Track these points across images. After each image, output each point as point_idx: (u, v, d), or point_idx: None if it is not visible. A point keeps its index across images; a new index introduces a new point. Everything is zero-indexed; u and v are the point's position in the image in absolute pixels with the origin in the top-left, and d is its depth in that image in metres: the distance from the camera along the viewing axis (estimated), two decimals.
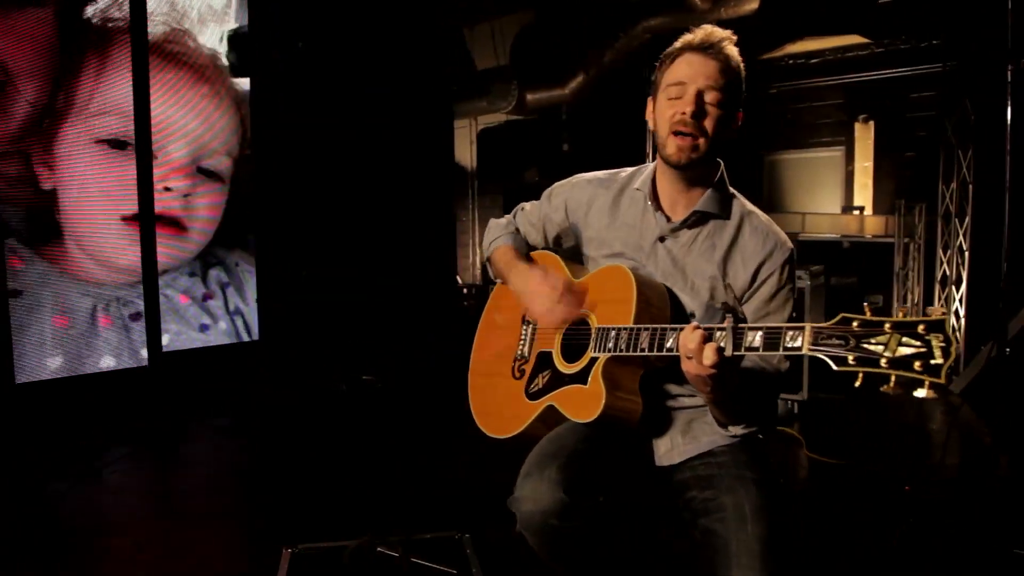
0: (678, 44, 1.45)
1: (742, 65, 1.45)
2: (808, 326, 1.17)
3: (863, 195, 5.94)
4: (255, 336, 4.64)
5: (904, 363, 1.08)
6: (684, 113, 1.40)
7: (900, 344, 1.08)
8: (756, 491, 1.38)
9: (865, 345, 1.10)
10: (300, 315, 4.83)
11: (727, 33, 1.44)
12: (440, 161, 5.96)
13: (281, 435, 3.78)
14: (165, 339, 4.08)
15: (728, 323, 1.25)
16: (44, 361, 3.58)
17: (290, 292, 4.83)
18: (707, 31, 1.43)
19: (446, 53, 6.85)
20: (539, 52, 6.91)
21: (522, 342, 1.65)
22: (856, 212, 5.63)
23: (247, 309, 4.59)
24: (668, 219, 1.51)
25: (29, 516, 2.77)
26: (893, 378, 1.10)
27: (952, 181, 4.66)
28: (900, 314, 1.11)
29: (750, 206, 1.54)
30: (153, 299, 4.15)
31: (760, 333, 1.22)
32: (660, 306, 1.44)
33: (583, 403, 1.42)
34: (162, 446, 3.62)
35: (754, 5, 5.57)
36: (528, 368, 1.59)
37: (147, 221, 4.05)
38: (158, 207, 3.93)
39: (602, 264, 1.57)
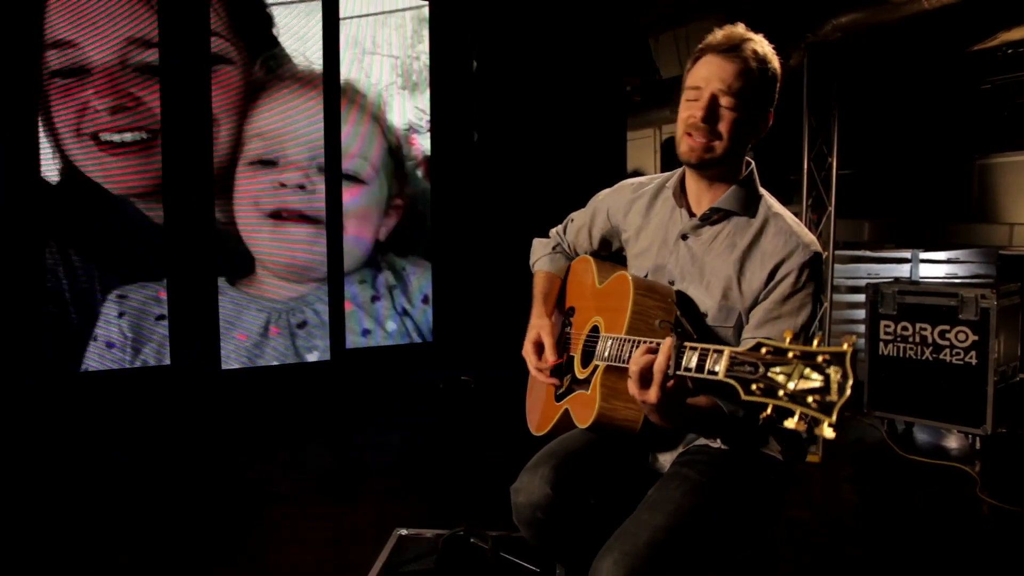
0: (701, 44, 1.45)
1: (772, 64, 1.42)
2: (727, 350, 1.12)
3: None
4: (422, 334, 5.09)
5: (800, 397, 1.00)
6: (695, 116, 1.40)
7: (802, 376, 1.01)
8: (678, 485, 1.36)
9: (771, 374, 1.04)
10: (470, 317, 5.18)
11: (750, 34, 1.42)
12: (613, 170, 6.04)
13: (430, 428, 4.12)
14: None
15: (671, 341, 1.22)
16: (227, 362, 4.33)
17: (461, 297, 5.21)
18: (728, 31, 1.42)
19: (630, 63, 6.91)
20: None
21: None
22: None
23: (412, 310, 5.04)
24: (692, 215, 1.51)
25: (213, 485, 3.32)
26: (798, 413, 1.01)
27: None
28: (816, 343, 1.03)
29: (779, 208, 1.50)
30: (338, 301, 4.71)
31: (696, 353, 1.18)
32: (662, 314, 1.42)
33: (583, 409, 1.47)
34: (332, 432, 4.11)
35: None
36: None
37: (335, 231, 4.63)
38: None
39: (635, 264, 1.61)
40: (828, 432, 0.98)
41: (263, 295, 4.36)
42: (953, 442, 3.82)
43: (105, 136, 3.81)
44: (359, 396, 4.65)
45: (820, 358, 1.00)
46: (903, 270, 4.50)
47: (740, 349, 1.11)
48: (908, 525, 2.93)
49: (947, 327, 3.64)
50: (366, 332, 4.80)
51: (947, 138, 5.49)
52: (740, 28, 1.43)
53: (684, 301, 1.48)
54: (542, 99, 5.39)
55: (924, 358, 3.71)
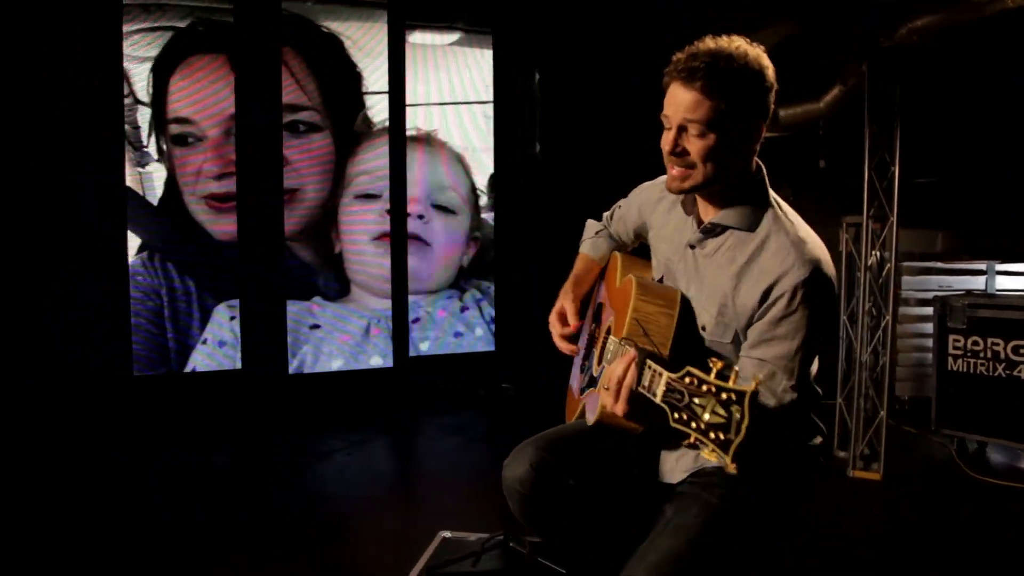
0: (668, 66, 1.38)
1: (749, 70, 1.33)
2: (666, 374, 1.13)
3: None
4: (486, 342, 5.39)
5: (708, 432, 1.02)
6: (665, 149, 1.41)
7: (713, 410, 1.02)
8: (698, 511, 1.37)
9: (692, 404, 1.05)
10: (532, 329, 5.24)
11: (719, 43, 1.34)
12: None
13: (479, 434, 4.20)
14: (424, 345, 5.11)
15: (634, 355, 1.24)
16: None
17: (523, 304, 5.29)
18: (689, 51, 1.35)
19: None
20: (793, 66, 6.57)
21: (585, 343, 1.80)
22: None
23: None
24: (700, 224, 1.50)
25: (271, 484, 3.49)
26: (709, 446, 1.02)
27: None
28: (732, 379, 1.02)
29: (787, 218, 1.43)
30: (402, 313, 4.91)
31: (650, 372, 1.19)
32: (661, 317, 1.42)
33: (592, 406, 1.52)
34: (388, 436, 4.24)
35: None
36: (586, 367, 1.74)
37: (399, 250, 4.84)
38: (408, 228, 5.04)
39: (654, 262, 1.66)
40: (731, 468, 1.00)
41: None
42: None
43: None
44: (417, 402, 4.79)
45: (725, 395, 1.02)
46: (978, 282, 4.29)
47: (675, 375, 1.12)
48: (960, 546, 2.81)
49: (1021, 342, 3.46)
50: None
51: None
52: (706, 42, 1.36)
53: (688, 311, 1.48)
54: (605, 110, 5.41)
55: (996, 375, 3.54)
